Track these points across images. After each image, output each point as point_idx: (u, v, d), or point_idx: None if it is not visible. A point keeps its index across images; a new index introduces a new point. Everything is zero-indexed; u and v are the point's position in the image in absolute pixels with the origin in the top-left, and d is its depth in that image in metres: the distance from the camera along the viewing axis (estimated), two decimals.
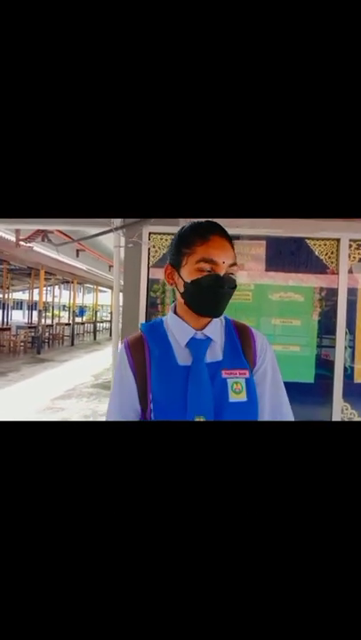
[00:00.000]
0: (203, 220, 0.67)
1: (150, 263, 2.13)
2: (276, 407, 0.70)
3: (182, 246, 0.67)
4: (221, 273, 0.64)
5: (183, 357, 0.68)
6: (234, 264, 0.66)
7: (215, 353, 0.69)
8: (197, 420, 0.64)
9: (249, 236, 2.11)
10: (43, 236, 3.42)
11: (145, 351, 0.69)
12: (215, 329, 0.70)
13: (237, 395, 0.65)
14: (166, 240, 2.12)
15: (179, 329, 0.69)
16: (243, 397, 0.65)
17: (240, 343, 0.70)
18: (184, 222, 0.70)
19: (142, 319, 2.09)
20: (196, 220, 0.68)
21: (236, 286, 0.66)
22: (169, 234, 2.09)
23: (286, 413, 0.71)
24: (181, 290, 0.68)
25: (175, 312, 0.72)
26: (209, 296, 0.64)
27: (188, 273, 0.66)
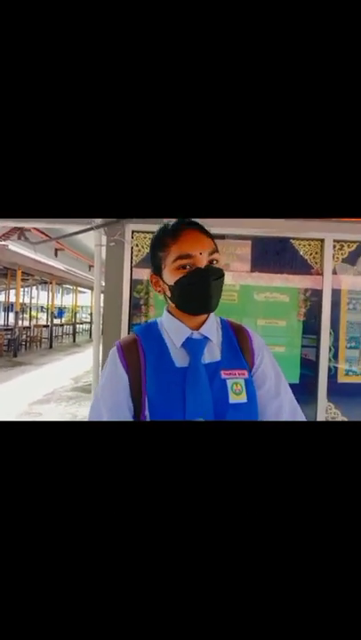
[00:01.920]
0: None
1: (133, 263, 2.07)
2: (293, 405, 0.68)
3: (157, 250, 0.65)
4: (202, 265, 0.61)
5: (180, 359, 0.64)
6: (214, 252, 0.63)
7: (213, 353, 0.66)
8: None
9: (234, 236, 2.09)
10: (19, 233, 3.28)
11: (139, 354, 0.65)
12: (212, 328, 0.67)
13: (238, 396, 0.63)
14: (150, 239, 2.06)
15: (174, 329, 0.66)
16: (243, 398, 0.63)
17: (238, 343, 0.68)
18: (168, 221, 0.66)
19: (125, 321, 2.03)
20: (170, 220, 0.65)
21: (223, 274, 0.63)
22: (153, 232, 2.03)
23: (296, 405, 0.69)
24: (169, 294, 0.65)
25: (170, 312, 0.68)
26: (196, 293, 0.61)
27: (169, 275, 0.63)
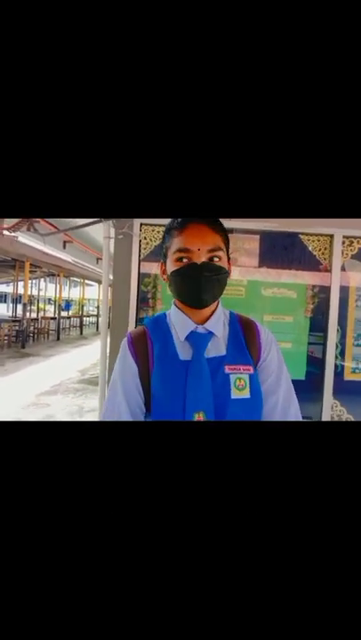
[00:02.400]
0: None
1: (141, 256, 2.07)
2: (285, 405, 0.67)
3: (166, 239, 0.67)
4: (199, 261, 0.62)
5: (184, 352, 0.65)
6: (216, 249, 0.63)
7: (218, 348, 0.66)
8: (197, 415, 0.61)
9: (243, 230, 2.07)
10: (28, 225, 3.30)
11: (148, 345, 0.67)
12: (218, 323, 0.67)
13: (240, 391, 0.63)
14: (158, 232, 2.06)
15: (179, 323, 0.67)
16: (246, 394, 0.63)
17: (244, 338, 0.68)
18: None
19: (133, 314, 2.04)
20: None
21: (221, 272, 0.63)
22: (161, 225, 2.03)
23: (294, 405, 0.68)
24: (168, 283, 0.67)
25: (177, 305, 0.69)
26: (187, 286, 0.63)
27: (169, 265, 0.65)
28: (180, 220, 0.65)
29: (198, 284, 0.62)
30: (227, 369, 0.64)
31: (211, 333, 0.66)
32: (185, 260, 0.62)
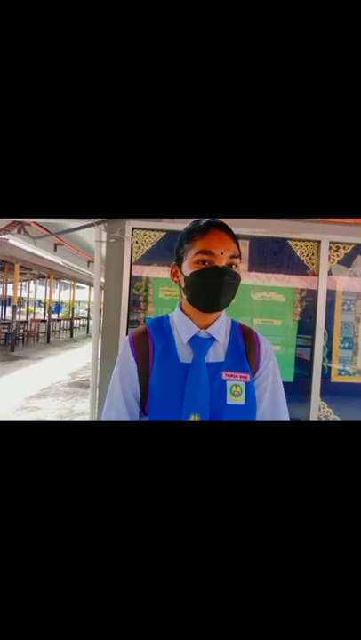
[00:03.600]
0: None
1: (133, 259, 2.09)
2: (274, 410, 0.70)
3: (184, 241, 0.67)
4: (220, 264, 0.64)
5: (185, 354, 0.67)
6: (235, 256, 0.65)
7: (218, 353, 0.68)
8: (192, 417, 0.63)
9: None
10: (19, 227, 3.28)
11: (149, 345, 0.68)
12: (220, 329, 0.69)
13: (236, 397, 0.65)
14: (150, 236, 2.08)
15: (183, 325, 0.68)
16: (241, 401, 0.65)
17: (245, 346, 0.70)
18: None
19: (124, 317, 2.05)
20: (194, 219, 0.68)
21: (239, 279, 0.65)
22: (153, 229, 2.06)
23: (283, 415, 0.71)
24: (183, 285, 0.67)
25: (181, 308, 0.71)
26: (208, 288, 0.63)
27: (187, 267, 0.66)
28: (202, 224, 0.66)
29: (219, 288, 0.63)
30: (224, 375, 0.65)
31: (213, 338, 0.67)
32: (206, 263, 0.63)
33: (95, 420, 2.07)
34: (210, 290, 0.63)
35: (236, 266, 0.65)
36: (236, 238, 0.67)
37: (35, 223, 3.27)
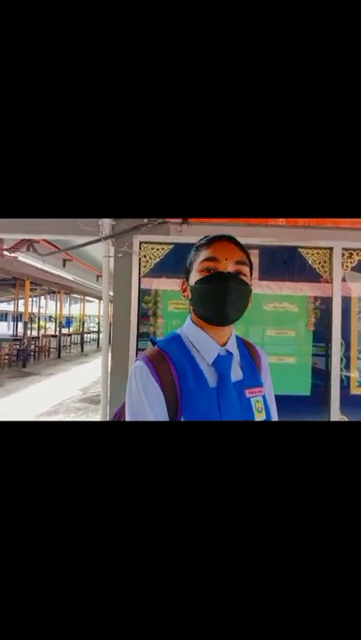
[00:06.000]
0: None
1: (141, 273, 2.07)
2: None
3: (192, 255, 0.66)
4: (225, 270, 0.60)
5: (211, 377, 0.62)
6: (242, 263, 0.62)
7: (237, 371, 0.65)
8: None
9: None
10: (28, 245, 3.32)
11: (172, 373, 0.60)
12: (234, 344, 0.66)
13: (260, 413, 0.63)
14: (157, 250, 2.06)
15: (203, 344, 0.63)
16: (263, 416, 0.63)
17: (252, 360, 0.68)
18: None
19: (134, 331, 2.02)
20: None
21: (249, 288, 0.62)
22: (160, 243, 2.04)
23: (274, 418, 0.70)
24: (190, 297, 0.65)
25: (194, 322, 0.66)
26: (212, 295, 0.60)
27: (193, 277, 0.64)
28: (209, 237, 0.65)
29: (224, 295, 0.59)
30: (247, 393, 0.63)
31: (231, 355, 0.64)
32: (211, 270, 0.61)
33: None
34: (215, 297, 0.59)
35: (245, 275, 0.62)
36: (244, 248, 0.64)
37: (44, 240, 3.31)
